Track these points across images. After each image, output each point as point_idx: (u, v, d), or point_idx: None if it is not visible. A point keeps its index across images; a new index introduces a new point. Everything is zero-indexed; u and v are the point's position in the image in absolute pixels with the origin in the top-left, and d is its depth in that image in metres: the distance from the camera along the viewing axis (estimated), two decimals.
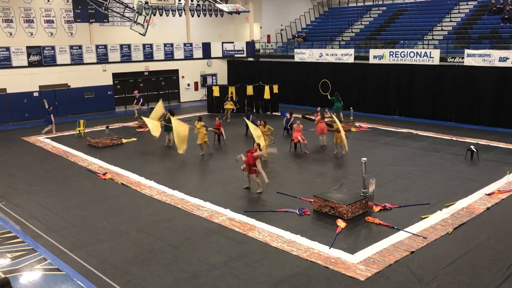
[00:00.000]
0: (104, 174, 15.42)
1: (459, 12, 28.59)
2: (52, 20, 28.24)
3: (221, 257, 9.57)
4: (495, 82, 21.85)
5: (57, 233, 10.93)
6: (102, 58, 28.30)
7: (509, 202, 12.48)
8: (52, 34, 28.29)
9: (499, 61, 21.66)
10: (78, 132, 21.68)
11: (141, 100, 26.29)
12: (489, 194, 12.96)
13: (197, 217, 11.75)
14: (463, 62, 22.92)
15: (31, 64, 25.77)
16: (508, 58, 21.37)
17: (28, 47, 25.73)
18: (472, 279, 8.59)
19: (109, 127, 21.67)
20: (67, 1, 28.14)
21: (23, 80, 25.41)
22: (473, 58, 22.47)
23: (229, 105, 25.11)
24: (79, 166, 16.73)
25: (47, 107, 22.73)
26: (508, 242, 10.10)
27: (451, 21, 28.06)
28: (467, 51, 22.81)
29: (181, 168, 16.55)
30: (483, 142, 18.99)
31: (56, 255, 9.79)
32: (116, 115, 27.25)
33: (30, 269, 9.29)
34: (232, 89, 26.48)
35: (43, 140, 20.82)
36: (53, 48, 26.54)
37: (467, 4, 28.97)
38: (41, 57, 26.06)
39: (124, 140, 20.30)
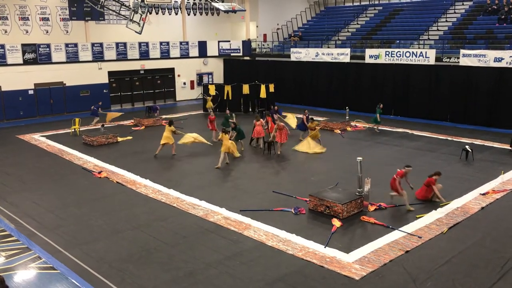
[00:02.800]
0: (99, 173, 15.37)
1: (454, 12, 28.68)
2: (48, 17, 28.13)
3: (217, 256, 9.57)
4: (490, 83, 21.94)
5: (52, 232, 10.90)
6: (98, 56, 28.20)
7: (504, 202, 12.55)
8: (47, 32, 28.18)
9: (494, 61, 21.74)
10: (73, 130, 21.61)
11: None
12: (483, 194, 13.02)
13: (193, 216, 11.74)
14: (458, 62, 22.99)
15: (26, 62, 25.63)
16: (503, 59, 21.46)
17: (23, 45, 25.59)
18: (467, 278, 8.63)
19: (105, 126, 21.62)
20: None
21: (18, 78, 25.27)
22: (469, 58, 22.55)
23: (209, 103, 25.29)
24: (74, 164, 16.67)
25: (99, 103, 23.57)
26: (503, 242, 10.16)
27: (446, 21, 28.15)
28: (462, 51, 22.88)
29: (177, 167, 16.53)
30: (478, 142, 19.06)
31: (51, 254, 9.77)
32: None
33: (25, 267, 9.25)
34: (228, 88, 26.48)
35: (38, 138, 20.74)
36: (48, 46, 26.42)
37: (462, 4, 29.07)
38: (36, 55, 25.94)
39: (119, 139, 20.24)
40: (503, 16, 25.16)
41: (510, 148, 17.89)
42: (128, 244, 10.24)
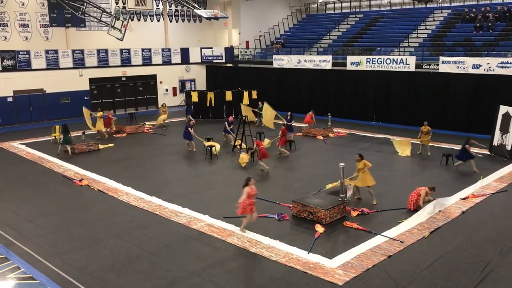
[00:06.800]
0: (80, 181, 15.17)
1: (434, 20, 29.20)
2: (27, 24, 27.78)
3: (200, 264, 9.50)
4: (468, 89, 22.35)
5: (32, 241, 10.69)
6: (79, 63, 27.92)
7: (483, 206, 12.75)
8: (27, 38, 27.82)
9: (472, 68, 22.16)
10: (53, 138, 21.31)
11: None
12: (464, 199, 13.21)
13: (175, 224, 11.64)
14: (438, 69, 23.38)
15: (5, 69, 25.23)
16: (481, 66, 21.89)
17: (1, 51, 25.20)
18: (448, 282, 8.72)
19: (85, 133, 21.37)
20: (43, 5, 27.73)
21: None
22: (448, 65, 22.94)
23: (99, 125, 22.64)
24: (54, 172, 16.42)
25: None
26: (483, 245, 10.31)
27: (426, 28, 28.64)
28: (442, 58, 23.28)
29: (159, 174, 16.40)
30: (457, 147, 19.31)
31: (30, 264, 9.57)
32: (93, 121, 26.80)
33: (3, 278, 9.05)
34: (211, 95, 26.47)
35: (17, 146, 20.39)
36: (28, 52, 26.06)
37: (441, 12, 29.62)
38: (15, 61, 25.55)
39: (101, 146, 20.03)
40: (478, 24, 25.71)
41: (489, 153, 18.20)
42: (109, 252, 10.10)
